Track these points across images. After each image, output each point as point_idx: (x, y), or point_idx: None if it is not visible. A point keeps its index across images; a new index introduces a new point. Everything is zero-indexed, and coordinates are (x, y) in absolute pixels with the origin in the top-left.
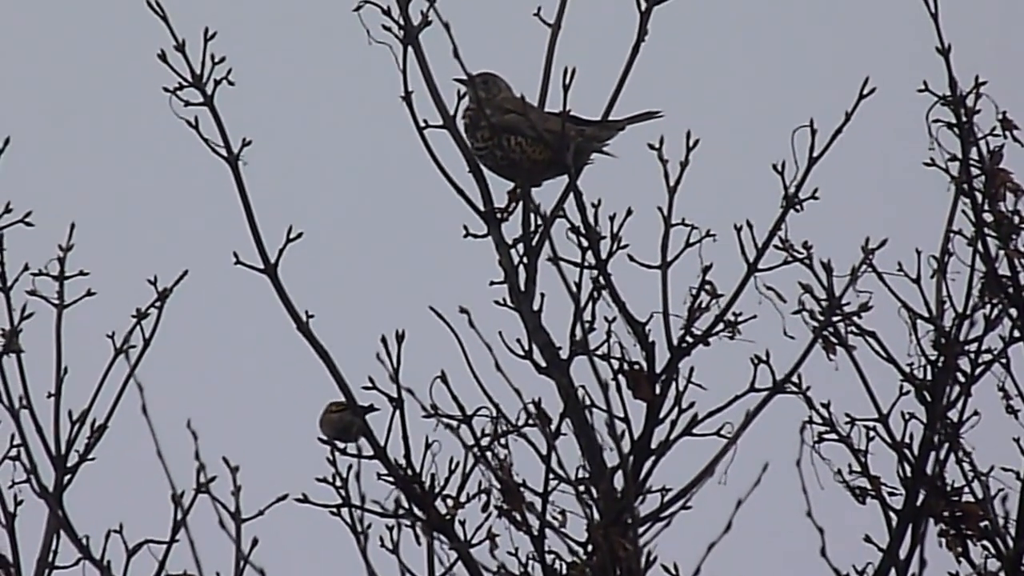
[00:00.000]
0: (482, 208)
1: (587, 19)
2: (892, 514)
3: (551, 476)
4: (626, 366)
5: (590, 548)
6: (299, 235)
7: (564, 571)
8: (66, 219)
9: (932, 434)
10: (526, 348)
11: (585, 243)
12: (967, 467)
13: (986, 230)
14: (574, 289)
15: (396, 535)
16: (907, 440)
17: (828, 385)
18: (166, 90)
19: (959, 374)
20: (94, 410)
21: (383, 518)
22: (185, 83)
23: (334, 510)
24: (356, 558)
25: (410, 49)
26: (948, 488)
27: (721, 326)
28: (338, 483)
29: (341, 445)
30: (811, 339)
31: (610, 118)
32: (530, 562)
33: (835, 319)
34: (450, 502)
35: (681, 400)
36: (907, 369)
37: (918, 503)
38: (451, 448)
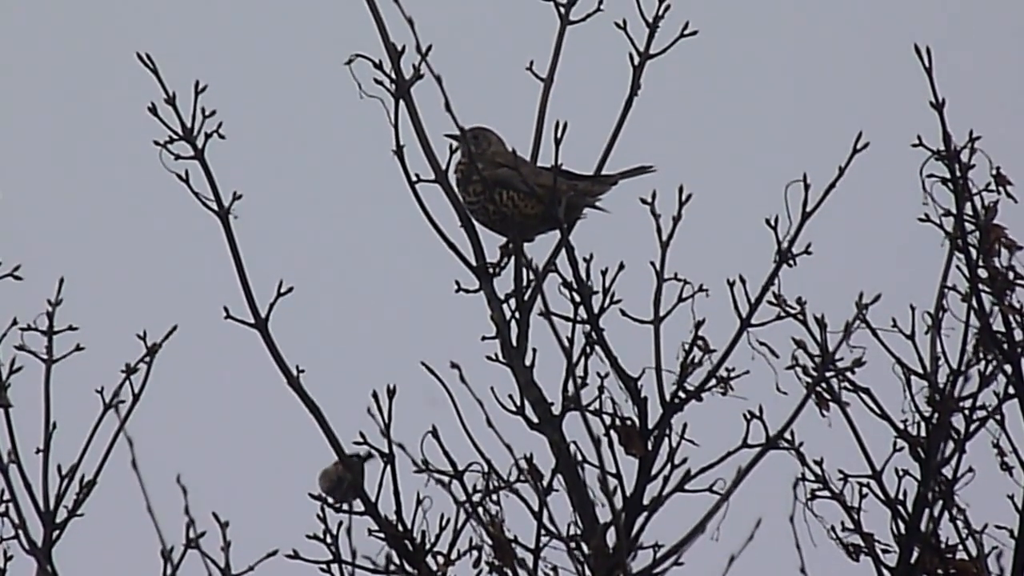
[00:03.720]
0: (474, 263)
1: (580, 73)
2: (886, 571)
3: (543, 532)
4: (618, 422)
5: None
6: (290, 289)
7: None
8: (55, 273)
9: (926, 491)
10: (518, 403)
11: (577, 298)
12: (961, 524)
13: (981, 286)
14: (566, 344)
15: None
16: (901, 497)
17: (821, 441)
18: (156, 143)
19: (953, 431)
20: (83, 465)
21: (374, 574)
22: (175, 136)
23: (324, 566)
24: None
25: (402, 103)
26: (942, 545)
27: (714, 382)
28: (328, 539)
29: (332, 501)
30: (804, 395)
31: (602, 173)
32: None
33: (828, 375)
34: (441, 558)
35: (674, 456)
36: (901, 425)
37: (912, 561)
38: (442, 504)
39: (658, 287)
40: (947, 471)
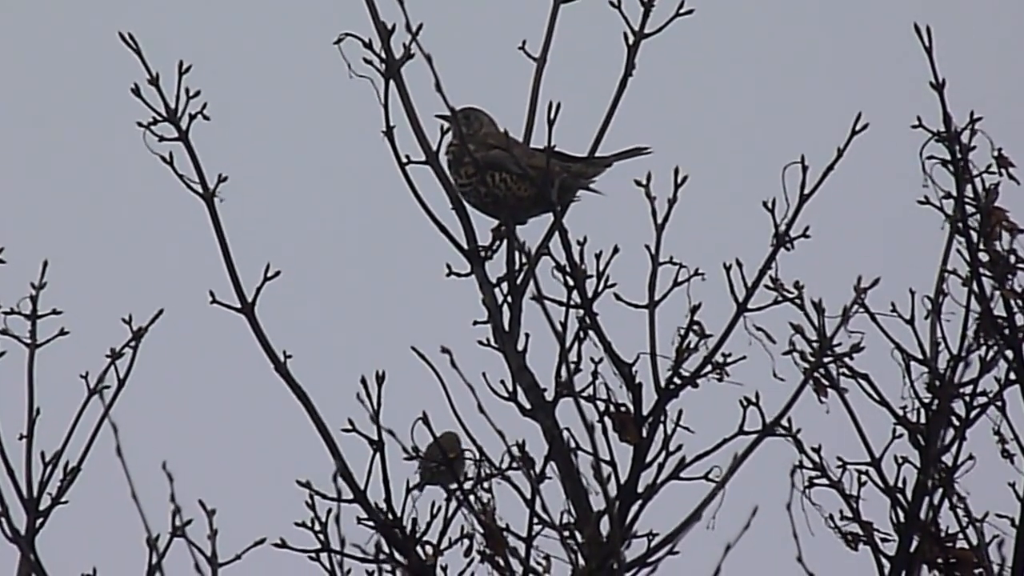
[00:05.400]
0: (465, 246)
1: (573, 53)
2: (885, 561)
3: (535, 520)
4: (612, 408)
5: None
6: (277, 273)
7: None
8: (38, 257)
9: (926, 479)
10: (510, 389)
11: (571, 282)
12: (961, 513)
13: (981, 270)
14: (559, 329)
15: None
16: (900, 485)
17: (819, 428)
18: (140, 125)
19: (953, 417)
20: (67, 452)
21: (363, 563)
22: (159, 118)
23: (313, 555)
24: None
25: (392, 83)
26: (942, 534)
27: (710, 367)
28: (317, 527)
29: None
30: (802, 381)
31: (596, 154)
32: None
33: (826, 360)
34: (432, 547)
35: (668, 443)
36: (900, 412)
37: (911, 549)
38: (433, 492)
39: (653, 271)
40: (947, 458)
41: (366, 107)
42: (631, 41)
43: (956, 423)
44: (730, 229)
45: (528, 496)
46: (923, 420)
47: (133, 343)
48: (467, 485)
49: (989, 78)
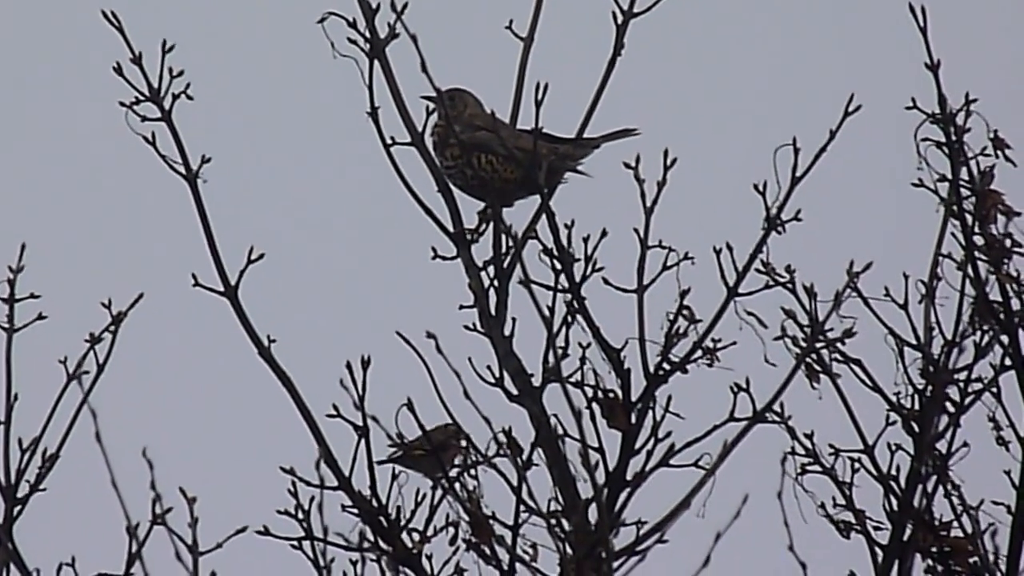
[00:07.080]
0: (451, 229)
1: (561, 32)
2: (878, 549)
3: (522, 508)
4: (601, 394)
5: None
6: (261, 256)
7: None
8: (16, 239)
9: (919, 466)
10: (496, 375)
11: (558, 265)
12: (956, 500)
13: (976, 253)
14: (547, 313)
15: (360, 569)
16: (893, 472)
17: (811, 414)
18: (122, 104)
19: (948, 404)
20: (45, 438)
21: (347, 552)
22: (142, 97)
23: (296, 543)
24: None
25: (376, 63)
26: (936, 522)
27: (700, 353)
28: (300, 515)
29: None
30: (793, 366)
31: (585, 136)
32: None
33: (818, 346)
34: (417, 535)
35: (658, 430)
36: (893, 398)
37: (905, 538)
38: (418, 479)
39: (642, 255)
40: (941, 445)
41: (350, 88)
42: (620, 20)
43: (950, 410)
44: (720, 212)
45: (515, 483)
46: (917, 406)
47: (113, 327)
48: (452, 473)
49: (985, 59)
